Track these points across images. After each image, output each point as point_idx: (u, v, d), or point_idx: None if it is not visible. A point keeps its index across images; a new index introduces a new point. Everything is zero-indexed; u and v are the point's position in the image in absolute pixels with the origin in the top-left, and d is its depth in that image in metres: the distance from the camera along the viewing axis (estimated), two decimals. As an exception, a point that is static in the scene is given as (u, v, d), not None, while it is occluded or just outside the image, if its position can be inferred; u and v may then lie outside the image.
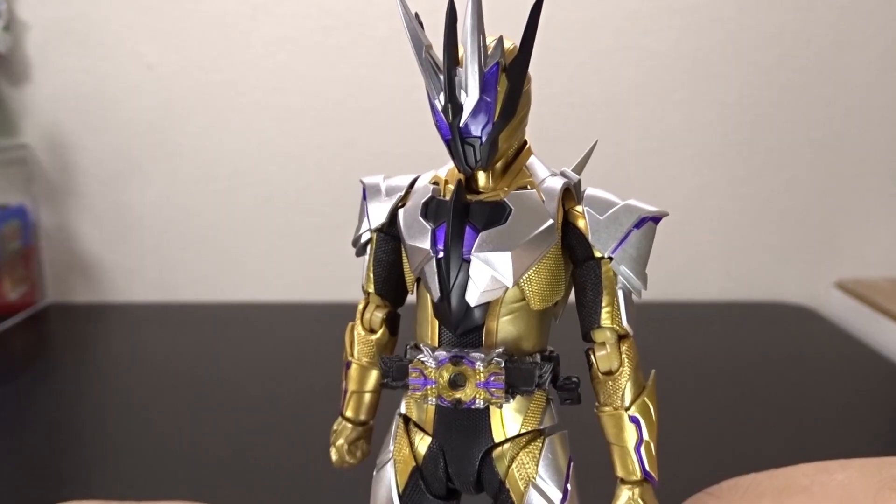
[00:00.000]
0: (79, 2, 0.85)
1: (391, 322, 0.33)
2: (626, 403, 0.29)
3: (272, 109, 0.87)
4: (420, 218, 0.29)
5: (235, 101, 0.87)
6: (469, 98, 0.26)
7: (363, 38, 0.85)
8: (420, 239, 0.29)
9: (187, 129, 0.88)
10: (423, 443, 0.30)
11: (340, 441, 0.33)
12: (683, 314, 0.87)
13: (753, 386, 0.68)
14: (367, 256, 0.32)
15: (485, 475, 0.30)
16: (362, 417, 0.33)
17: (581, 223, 0.29)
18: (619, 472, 0.29)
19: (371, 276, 0.32)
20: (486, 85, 0.26)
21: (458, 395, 0.28)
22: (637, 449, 0.29)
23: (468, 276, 0.28)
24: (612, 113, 0.87)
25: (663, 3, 0.84)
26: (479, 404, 0.28)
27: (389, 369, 0.30)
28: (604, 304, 0.29)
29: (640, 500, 0.29)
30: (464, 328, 0.28)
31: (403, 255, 0.30)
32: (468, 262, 0.28)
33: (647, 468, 0.29)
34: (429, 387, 0.28)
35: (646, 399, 0.29)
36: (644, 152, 0.88)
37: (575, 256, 0.29)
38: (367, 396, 0.33)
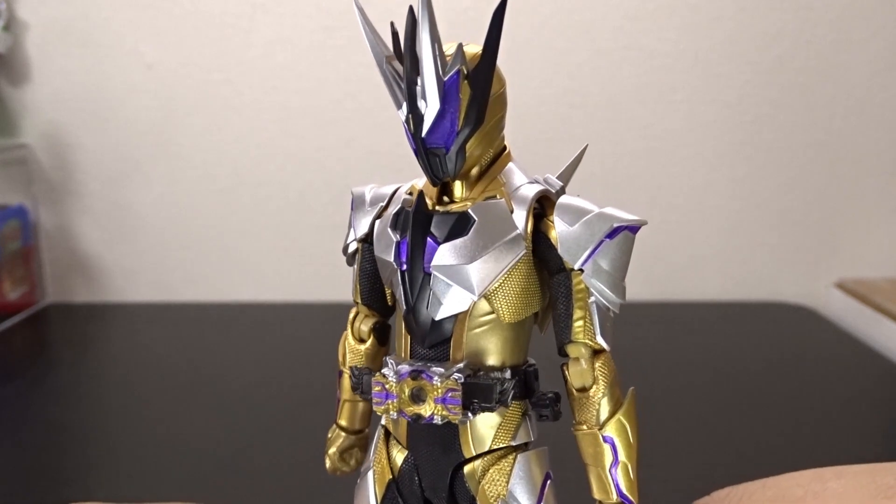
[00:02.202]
0: (79, 2, 0.85)
1: (379, 332, 0.33)
2: (601, 422, 0.28)
3: (272, 109, 0.87)
4: (389, 230, 0.29)
5: (235, 101, 0.87)
6: (429, 108, 0.26)
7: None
8: (387, 251, 0.28)
9: (187, 129, 0.88)
10: (400, 455, 0.30)
11: (332, 449, 0.34)
12: (683, 314, 0.87)
13: (753, 386, 0.68)
14: (355, 266, 0.32)
15: (457, 491, 0.29)
16: (356, 426, 0.33)
17: (552, 233, 0.28)
18: (597, 494, 0.28)
19: (358, 286, 0.32)
20: (446, 94, 0.26)
21: (418, 410, 0.27)
22: (612, 471, 0.28)
23: (431, 290, 0.27)
24: (612, 113, 0.87)
25: (663, 3, 0.84)
26: (437, 420, 0.27)
27: (359, 382, 0.30)
28: (575, 318, 0.28)
29: None
30: (431, 341, 0.28)
31: None
32: (430, 275, 0.27)
33: (624, 491, 0.28)
34: (390, 401, 0.27)
35: (622, 418, 0.28)
36: (644, 152, 0.88)
37: (548, 268, 0.28)
38: (361, 405, 0.33)
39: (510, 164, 0.29)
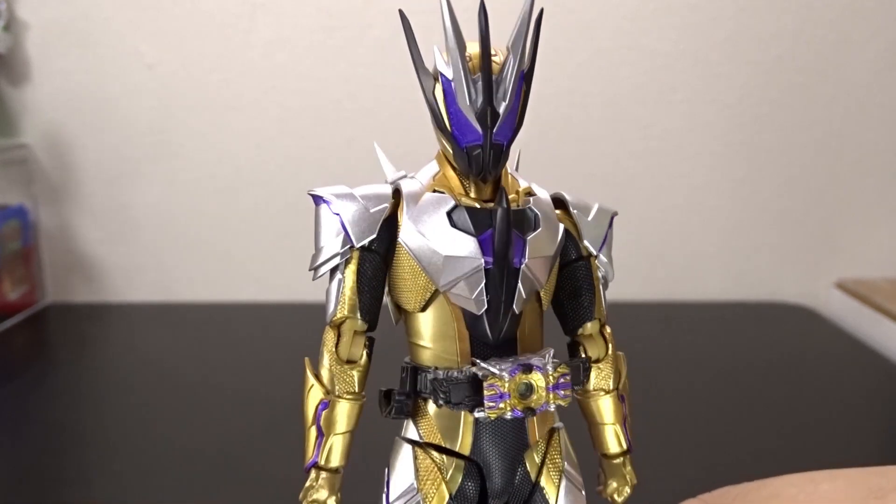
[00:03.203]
0: (79, 2, 0.85)
1: (370, 349, 0.30)
2: (617, 384, 0.32)
3: (272, 109, 0.87)
4: (451, 228, 0.27)
5: (235, 101, 0.87)
6: (506, 104, 0.26)
7: (363, 38, 0.85)
8: (461, 249, 0.27)
9: (187, 129, 0.88)
10: (456, 468, 0.29)
11: (325, 495, 0.29)
12: (683, 314, 0.87)
13: (753, 386, 0.68)
14: (340, 280, 0.29)
15: (519, 478, 0.30)
16: (342, 462, 0.30)
17: (572, 227, 0.31)
18: (606, 449, 0.32)
19: (356, 300, 0.29)
20: (517, 91, 0.27)
21: (528, 403, 0.28)
22: (623, 423, 0.32)
23: (516, 283, 0.28)
24: (612, 113, 0.87)
25: (663, 3, 0.84)
26: (551, 407, 0.28)
27: (445, 391, 0.28)
28: (596, 299, 0.31)
29: (628, 467, 0.32)
30: (506, 336, 0.29)
31: (395, 272, 0.29)
32: (517, 269, 0.28)
33: (630, 439, 0.32)
34: (504, 401, 0.27)
35: (625, 379, 0.32)
36: (644, 152, 0.88)
37: (561, 258, 0.31)
38: (349, 437, 0.30)
39: (507, 167, 0.30)
